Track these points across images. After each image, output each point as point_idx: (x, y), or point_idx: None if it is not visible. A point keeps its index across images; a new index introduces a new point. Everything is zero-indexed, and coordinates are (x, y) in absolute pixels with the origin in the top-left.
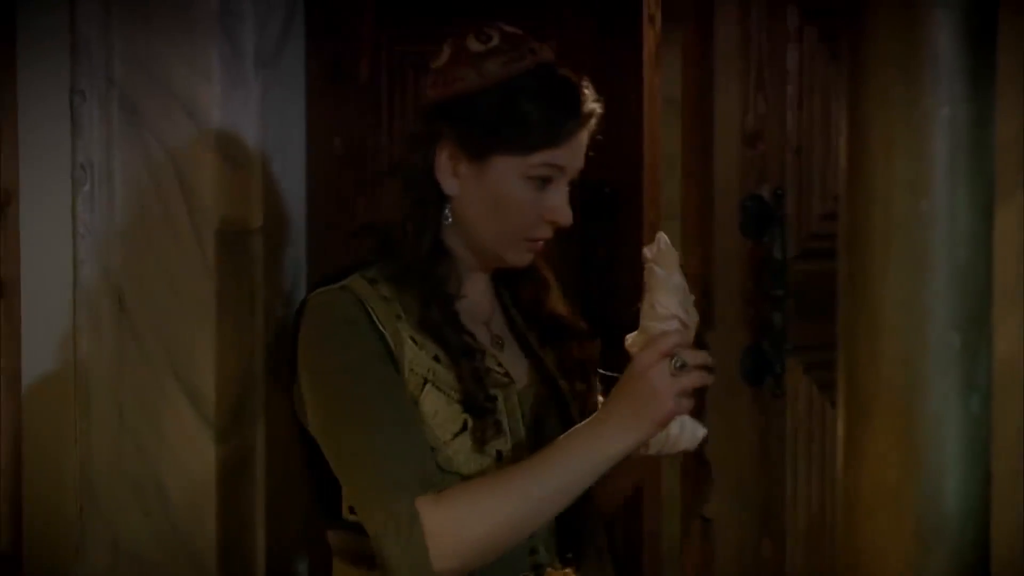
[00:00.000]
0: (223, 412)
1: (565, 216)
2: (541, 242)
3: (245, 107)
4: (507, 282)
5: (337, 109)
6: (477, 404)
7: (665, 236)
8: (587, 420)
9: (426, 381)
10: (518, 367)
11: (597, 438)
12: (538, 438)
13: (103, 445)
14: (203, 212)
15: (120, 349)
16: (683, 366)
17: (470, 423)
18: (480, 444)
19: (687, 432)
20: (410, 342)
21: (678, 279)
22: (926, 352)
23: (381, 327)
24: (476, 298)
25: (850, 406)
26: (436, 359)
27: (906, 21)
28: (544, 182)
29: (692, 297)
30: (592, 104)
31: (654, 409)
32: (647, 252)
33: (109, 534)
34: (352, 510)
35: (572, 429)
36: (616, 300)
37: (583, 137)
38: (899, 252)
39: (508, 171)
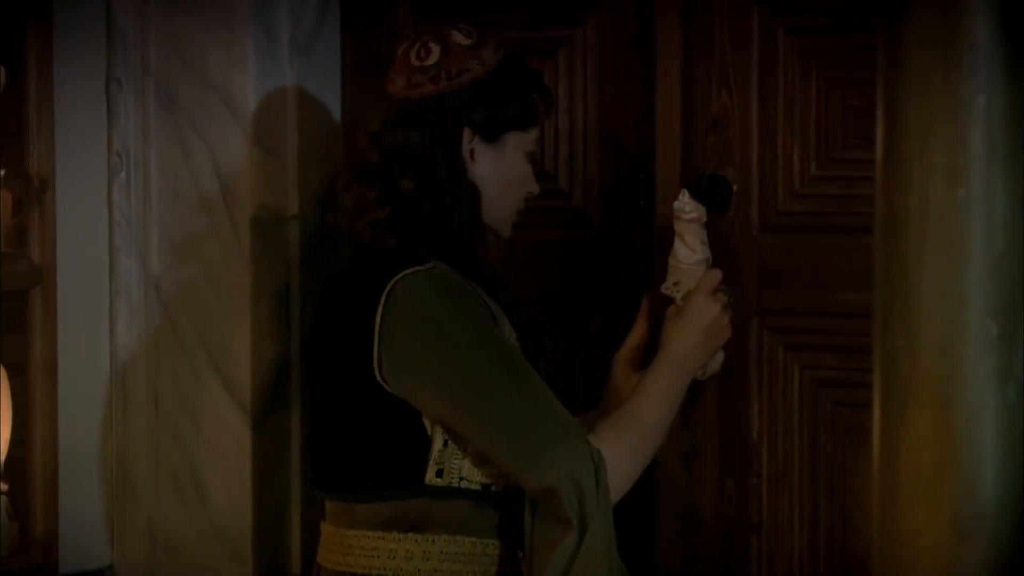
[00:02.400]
0: (259, 399)
1: (536, 186)
2: None
3: (280, 95)
4: None
5: (372, 97)
6: (533, 350)
7: (687, 190)
8: (662, 353)
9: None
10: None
11: (679, 367)
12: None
13: (139, 433)
14: (239, 200)
15: (156, 337)
16: (729, 299)
17: None
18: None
19: (719, 356)
20: (504, 320)
21: (700, 227)
22: (963, 340)
23: (486, 301)
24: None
25: (886, 395)
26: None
27: (944, 10)
28: (530, 156)
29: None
30: None
31: (717, 336)
32: (676, 204)
33: (145, 522)
34: (440, 473)
35: (652, 364)
36: (652, 284)
37: None
38: (936, 240)
39: (517, 147)
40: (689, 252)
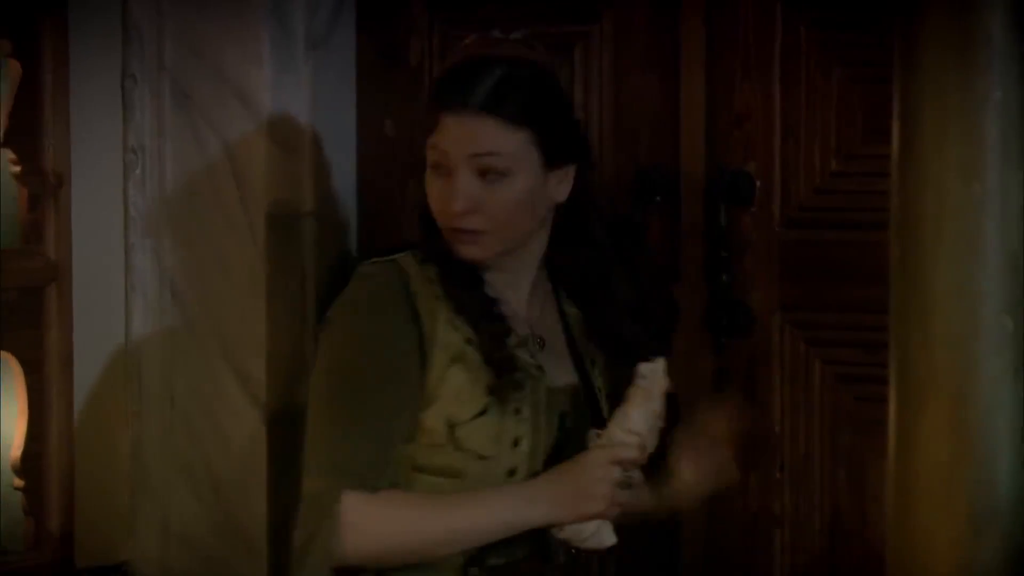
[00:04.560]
0: (273, 394)
1: (446, 217)
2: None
3: (296, 91)
4: (573, 292)
5: (388, 92)
6: (496, 361)
7: (663, 363)
8: (528, 481)
9: (454, 360)
10: (557, 367)
11: (526, 502)
12: (571, 441)
13: (154, 428)
14: (254, 196)
15: (171, 332)
16: (628, 484)
17: (492, 403)
18: (502, 402)
19: (600, 535)
20: (444, 322)
21: (656, 405)
22: (978, 335)
23: (416, 304)
24: (516, 297)
25: (902, 389)
26: (468, 342)
27: (959, 6)
28: (441, 169)
29: (661, 425)
30: None
31: (588, 505)
32: (642, 368)
33: (160, 516)
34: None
35: (511, 485)
36: (752, 282)
37: None
38: (951, 235)
39: (428, 158)
40: (625, 423)
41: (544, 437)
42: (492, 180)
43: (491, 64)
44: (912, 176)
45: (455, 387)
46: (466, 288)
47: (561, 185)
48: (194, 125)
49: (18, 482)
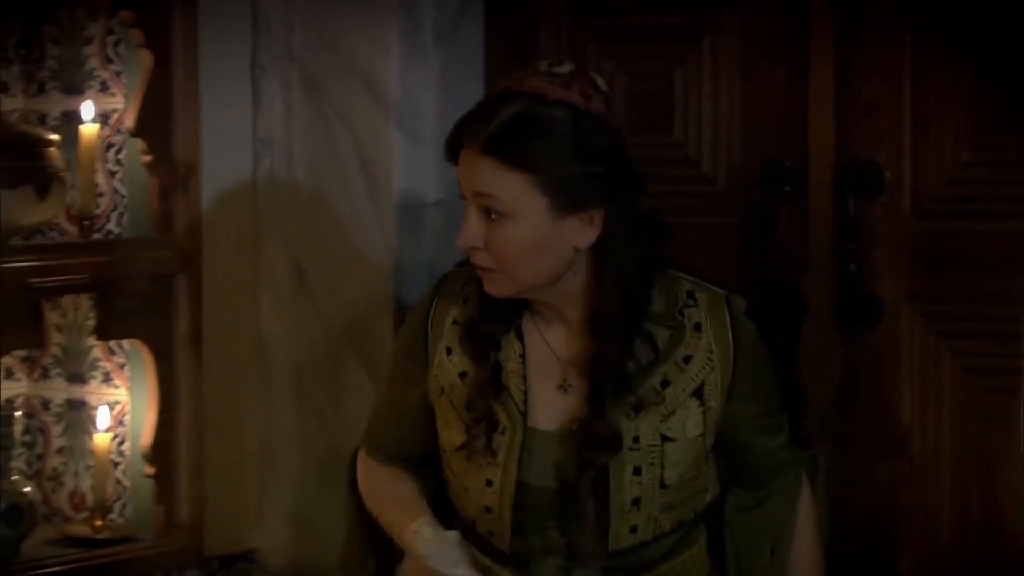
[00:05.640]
0: None
1: (461, 241)
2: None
3: (424, 81)
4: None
5: None
6: (472, 406)
7: (448, 536)
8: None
9: (443, 391)
10: (554, 410)
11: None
12: (568, 487)
13: (283, 416)
14: (381, 186)
15: (300, 321)
16: None
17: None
18: (468, 459)
19: None
20: (444, 351)
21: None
22: None
23: (429, 325)
24: (554, 337)
25: None
26: (462, 375)
27: None
28: (470, 205)
29: None
30: None
31: None
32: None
33: (288, 504)
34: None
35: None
36: (881, 273)
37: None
38: None
39: None
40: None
41: (515, 480)
42: (496, 220)
43: (506, 102)
44: None
45: (443, 416)
46: (478, 322)
47: (584, 231)
48: (323, 115)
49: (149, 470)
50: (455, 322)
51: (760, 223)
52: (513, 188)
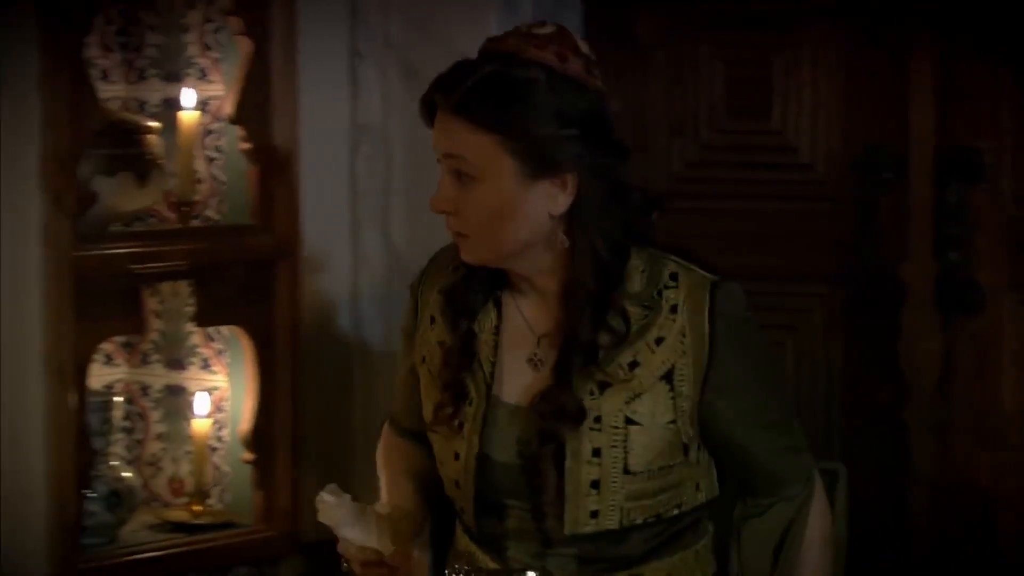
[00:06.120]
0: None
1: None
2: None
3: None
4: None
5: (614, 68)
6: (442, 376)
7: (325, 496)
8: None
9: (424, 360)
10: (522, 383)
11: None
12: (534, 464)
13: (381, 403)
14: None
15: (398, 307)
16: None
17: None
18: (436, 429)
19: None
20: (428, 320)
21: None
22: None
23: (419, 294)
24: (529, 308)
25: None
26: (440, 344)
27: None
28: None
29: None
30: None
31: None
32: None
33: None
34: None
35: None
36: (982, 260)
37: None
38: None
39: None
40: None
41: (477, 454)
42: (465, 183)
43: (480, 63)
44: None
45: (424, 386)
46: (458, 291)
47: (557, 197)
48: None
49: (248, 456)
50: (440, 291)
51: (859, 210)
52: (482, 150)
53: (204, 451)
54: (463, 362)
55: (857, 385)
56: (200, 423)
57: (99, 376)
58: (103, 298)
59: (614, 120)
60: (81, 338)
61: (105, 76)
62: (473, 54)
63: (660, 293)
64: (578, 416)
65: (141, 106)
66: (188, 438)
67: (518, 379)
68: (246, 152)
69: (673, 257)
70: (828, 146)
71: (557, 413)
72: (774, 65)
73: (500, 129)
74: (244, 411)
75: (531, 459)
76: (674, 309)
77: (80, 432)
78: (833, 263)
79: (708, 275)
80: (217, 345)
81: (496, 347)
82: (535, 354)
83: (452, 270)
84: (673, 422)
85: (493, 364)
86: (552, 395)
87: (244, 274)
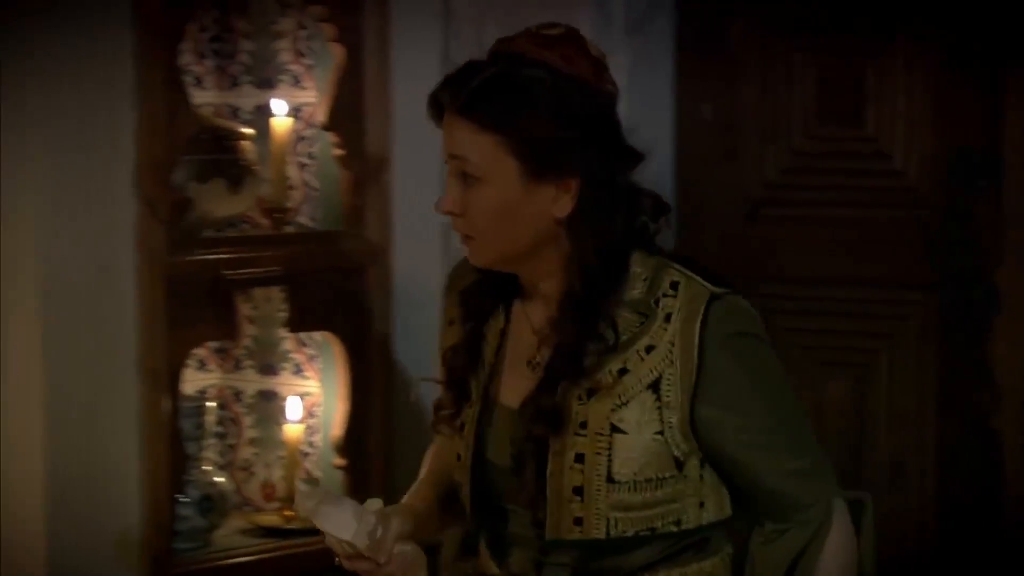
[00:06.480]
0: None
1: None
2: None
3: (614, 74)
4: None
5: (706, 76)
6: (446, 379)
7: (301, 485)
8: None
9: (441, 361)
10: (519, 386)
11: None
12: (513, 458)
13: None
14: None
15: None
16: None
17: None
18: (438, 429)
19: None
20: (448, 322)
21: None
22: None
23: (447, 298)
24: (534, 311)
25: None
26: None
27: None
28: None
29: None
30: None
31: None
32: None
33: None
34: None
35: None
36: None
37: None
38: None
39: None
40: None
41: (472, 455)
42: (470, 184)
43: (486, 64)
44: None
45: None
46: (472, 293)
47: (561, 199)
48: None
49: (339, 461)
50: (459, 294)
51: (954, 217)
52: (484, 150)
53: (296, 456)
54: (468, 363)
55: (951, 392)
56: (292, 428)
57: (192, 381)
58: (196, 304)
59: (620, 124)
60: (174, 343)
61: (199, 83)
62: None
63: (657, 301)
64: (557, 419)
65: (234, 113)
66: (280, 443)
67: (518, 382)
68: (339, 158)
69: (678, 266)
70: (922, 152)
71: (538, 415)
72: (867, 71)
73: (502, 129)
74: (336, 416)
75: (517, 461)
76: (668, 318)
77: (173, 437)
78: (927, 270)
79: (710, 287)
80: (309, 350)
81: (499, 350)
82: (534, 357)
83: (475, 273)
84: (660, 433)
85: (492, 366)
86: (536, 397)
87: (336, 279)
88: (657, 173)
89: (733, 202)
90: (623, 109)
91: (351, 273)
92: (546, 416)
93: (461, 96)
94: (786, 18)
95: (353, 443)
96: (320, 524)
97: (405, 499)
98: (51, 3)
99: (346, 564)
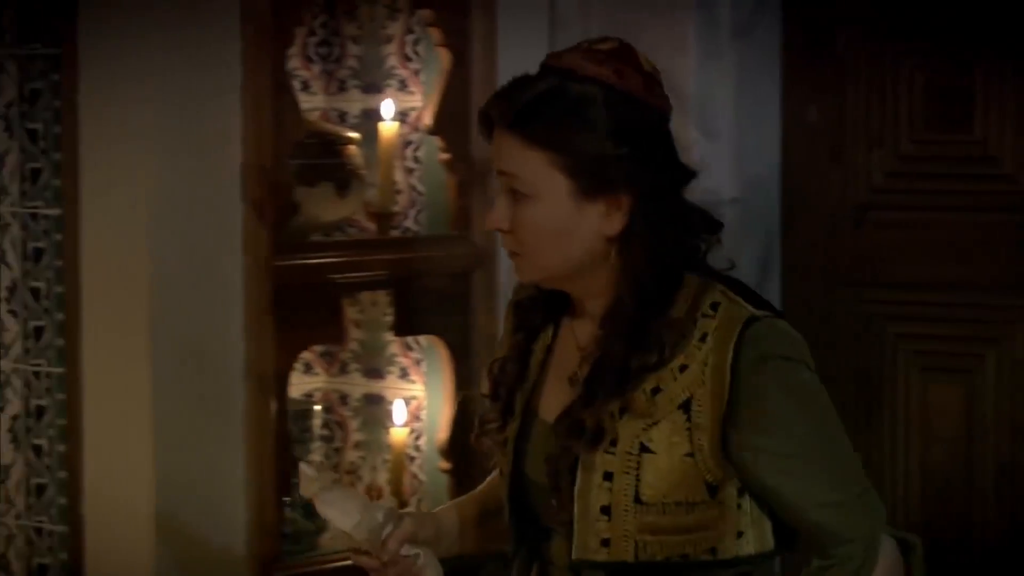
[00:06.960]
0: None
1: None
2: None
3: (720, 78)
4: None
5: (812, 79)
6: (493, 393)
7: (305, 468)
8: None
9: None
10: (559, 402)
11: None
12: (553, 474)
13: None
14: None
15: None
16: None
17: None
18: (480, 443)
19: None
20: (502, 338)
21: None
22: None
23: (508, 313)
24: (581, 328)
25: None
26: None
27: None
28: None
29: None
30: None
31: None
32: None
33: None
34: None
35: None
36: None
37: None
38: None
39: None
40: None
41: (511, 471)
42: (519, 201)
43: (537, 79)
44: None
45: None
46: (523, 308)
47: (613, 217)
48: None
49: (445, 465)
50: (513, 305)
51: None
52: (534, 167)
53: (402, 460)
54: (514, 377)
55: None
56: (398, 432)
57: (299, 385)
58: (303, 308)
59: (673, 139)
60: (281, 347)
61: (306, 87)
62: (671, 66)
63: (695, 321)
64: (595, 436)
65: (341, 117)
66: (386, 447)
67: (559, 397)
68: (445, 163)
69: (722, 287)
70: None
71: (572, 429)
72: (976, 75)
73: (553, 146)
74: (441, 420)
75: (552, 477)
76: (703, 338)
77: (280, 440)
78: None
79: (750, 308)
80: (415, 354)
81: (544, 365)
82: (575, 372)
83: (534, 287)
84: (691, 455)
85: (535, 381)
86: (571, 411)
87: (442, 284)
88: (764, 176)
89: (839, 206)
90: (730, 114)
91: (457, 277)
92: (579, 430)
93: (511, 112)
94: (893, 22)
95: (458, 447)
96: (321, 510)
97: (439, 508)
98: (160, 10)
99: (352, 558)
